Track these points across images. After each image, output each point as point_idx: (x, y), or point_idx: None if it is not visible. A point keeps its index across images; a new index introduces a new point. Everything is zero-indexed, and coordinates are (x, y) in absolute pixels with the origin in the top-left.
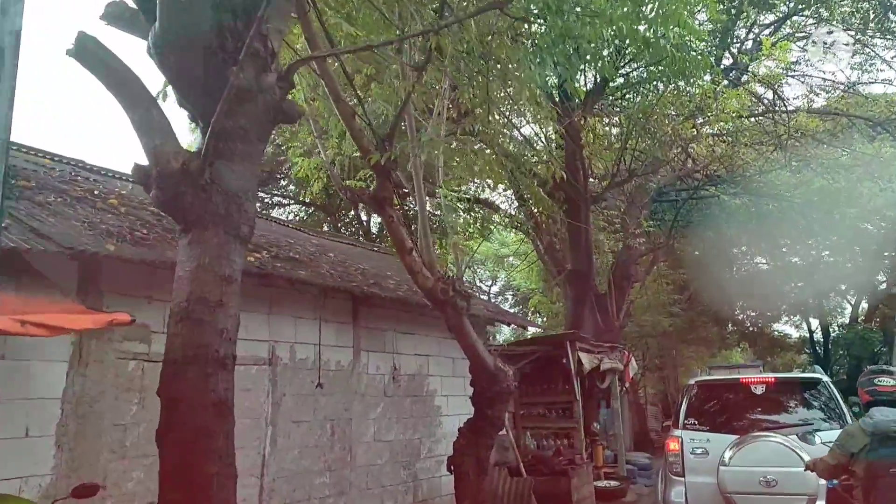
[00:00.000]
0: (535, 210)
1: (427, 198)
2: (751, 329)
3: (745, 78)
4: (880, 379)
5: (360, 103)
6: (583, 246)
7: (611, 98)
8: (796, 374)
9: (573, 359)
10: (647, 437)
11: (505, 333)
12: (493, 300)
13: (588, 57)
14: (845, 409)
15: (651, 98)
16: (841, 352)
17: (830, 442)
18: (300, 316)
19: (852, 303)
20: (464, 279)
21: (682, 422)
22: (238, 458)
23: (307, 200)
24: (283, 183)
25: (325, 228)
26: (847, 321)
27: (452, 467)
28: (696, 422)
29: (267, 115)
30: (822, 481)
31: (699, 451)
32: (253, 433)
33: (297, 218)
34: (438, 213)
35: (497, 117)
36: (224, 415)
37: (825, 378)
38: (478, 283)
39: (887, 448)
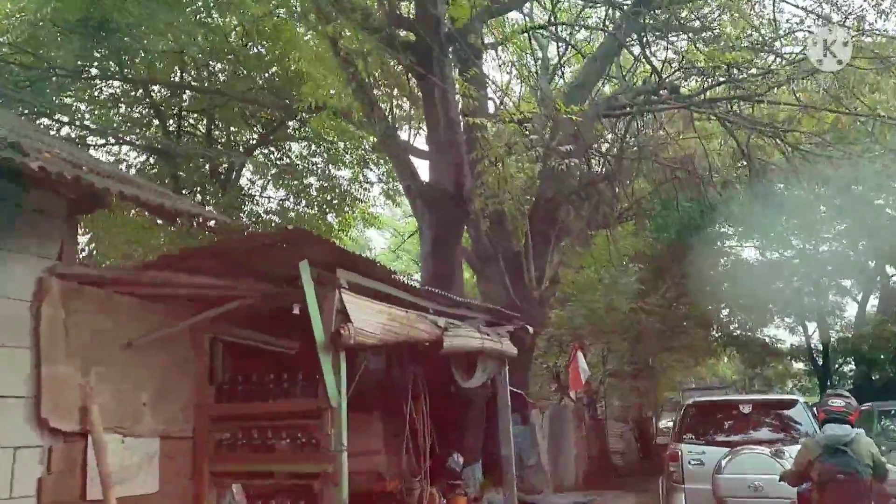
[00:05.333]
0: (360, 68)
1: None
2: (739, 333)
3: None
4: (833, 400)
5: None
6: (442, 134)
7: None
8: (778, 395)
9: (325, 304)
10: (607, 462)
11: None
12: None
13: None
14: (816, 425)
15: None
16: (840, 359)
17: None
18: None
19: (858, 300)
20: None
21: (682, 437)
22: None
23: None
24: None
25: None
26: (852, 322)
27: None
28: (693, 436)
29: None
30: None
31: (696, 462)
32: None
33: (130, 167)
34: None
35: None
36: None
37: (801, 399)
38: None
39: (835, 458)
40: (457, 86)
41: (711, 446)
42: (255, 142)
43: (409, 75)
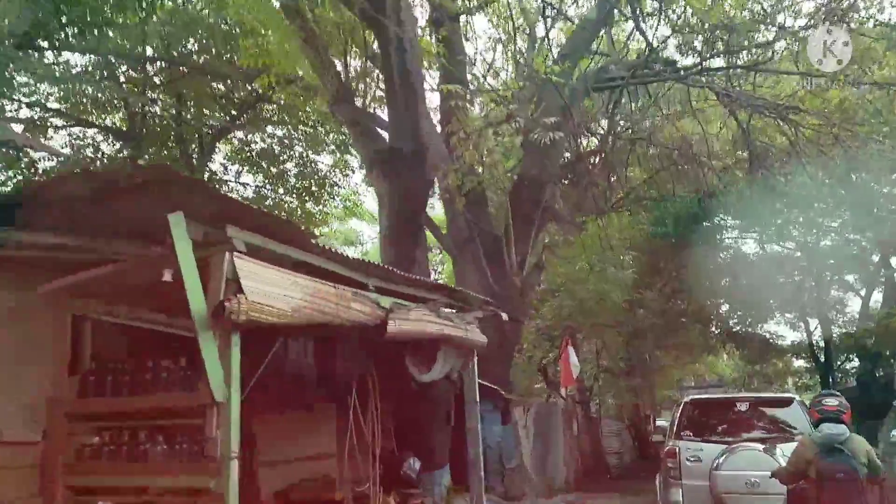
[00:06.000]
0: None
1: None
2: (738, 329)
3: None
4: (827, 400)
5: None
6: (398, 91)
7: None
8: (773, 394)
9: (211, 270)
10: (601, 462)
11: None
12: None
13: None
14: (810, 423)
15: None
16: (843, 356)
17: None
18: None
19: (862, 294)
20: None
21: (680, 434)
22: None
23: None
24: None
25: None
26: (855, 317)
27: None
28: (691, 433)
29: None
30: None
31: (694, 458)
32: None
33: (95, 153)
34: None
35: None
36: None
37: (797, 398)
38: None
39: (832, 457)
40: (419, 36)
41: (709, 443)
42: (226, 122)
43: (366, 31)
